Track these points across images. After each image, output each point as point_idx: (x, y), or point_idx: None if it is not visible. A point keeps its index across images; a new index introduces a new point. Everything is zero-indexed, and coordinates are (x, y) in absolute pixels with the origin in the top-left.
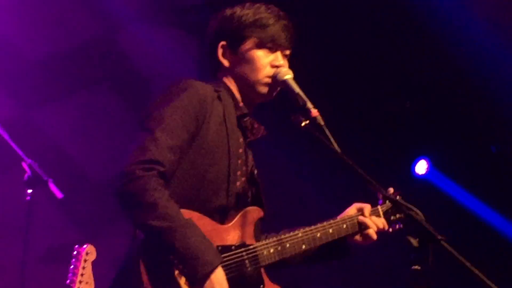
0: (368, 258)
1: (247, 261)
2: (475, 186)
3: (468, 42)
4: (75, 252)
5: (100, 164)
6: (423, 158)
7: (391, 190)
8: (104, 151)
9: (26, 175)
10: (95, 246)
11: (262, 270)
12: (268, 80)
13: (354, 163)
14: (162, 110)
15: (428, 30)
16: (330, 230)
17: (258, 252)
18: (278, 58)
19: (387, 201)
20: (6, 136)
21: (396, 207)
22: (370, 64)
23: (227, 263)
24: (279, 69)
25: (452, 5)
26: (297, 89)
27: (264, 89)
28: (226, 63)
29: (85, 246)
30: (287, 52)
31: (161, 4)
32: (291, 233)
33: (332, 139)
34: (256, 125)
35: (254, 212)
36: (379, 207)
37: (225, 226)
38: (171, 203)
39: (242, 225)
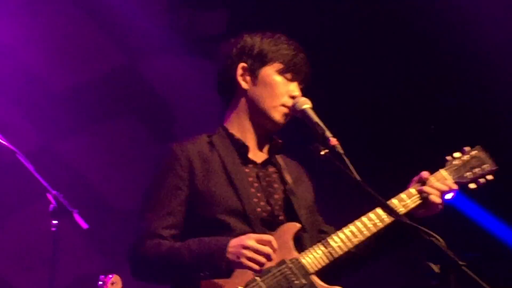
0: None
1: (292, 275)
2: (504, 211)
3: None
4: (100, 282)
5: (125, 194)
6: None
7: (467, 148)
8: (128, 181)
9: (51, 206)
10: (120, 276)
11: (314, 277)
12: (284, 109)
13: (375, 192)
14: (149, 187)
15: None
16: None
17: (302, 262)
18: (296, 89)
19: (453, 162)
20: (31, 168)
21: (469, 164)
22: (392, 87)
23: (271, 283)
24: (297, 99)
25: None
26: (315, 118)
27: (279, 117)
28: (244, 85)
29: (110, 276)
30: (301, 86)
31: (183, 33)
32: (337, 232)
33: (351, 167)
34: (274, 142)
35: (288, 228)
36: (441, 170)
37: None
38: (169, 244)
39: (280, 245)
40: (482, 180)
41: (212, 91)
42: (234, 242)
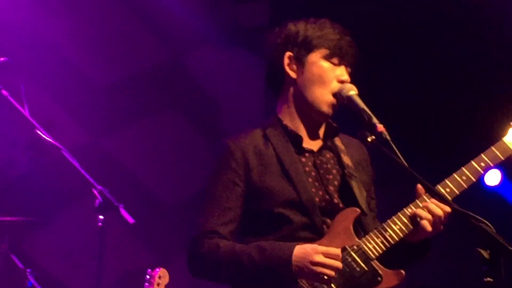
0: None
1: (353, 262)
2: None
3: None
4: (148, 276)
5: (170, 188)
6: (497, 168)
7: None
8: (174, 175)
9: (97, 202)
10: (167, 270)
11: (376, 263)
12: (332, 99)
13: (422, 178)
14: (206, 186)
15: None
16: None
17: (363, 248)
18: (344, 72)
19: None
20: (76, 164)
21: None
22: (437, 64)
23: None
24: (343, 85)
25: None
26: (362, 104)
27: (327, 109)
28: (292, 74)
29: (157, 269)
30: (349, 69)
31: (225, 25)
32: (393, 217)
33: (399, 154)
34: (327, 128)
35: (347, 214)
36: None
37: (321, 240)
38: (227, 246)
39: (339, 232)
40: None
41: (256, 83)
42: (299, 255)
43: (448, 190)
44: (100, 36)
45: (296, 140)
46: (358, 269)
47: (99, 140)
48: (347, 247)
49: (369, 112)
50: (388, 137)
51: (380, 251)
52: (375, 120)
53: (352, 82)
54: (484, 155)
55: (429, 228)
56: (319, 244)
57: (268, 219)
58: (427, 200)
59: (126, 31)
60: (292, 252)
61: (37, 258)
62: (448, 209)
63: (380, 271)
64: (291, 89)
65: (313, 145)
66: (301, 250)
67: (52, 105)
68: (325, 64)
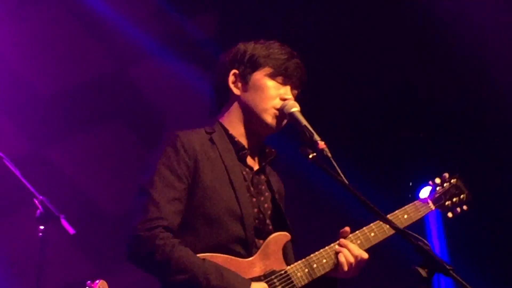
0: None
1: (279, 287)
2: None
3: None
4: None
5: (112, 199)
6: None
7: (446, 175)
8: (116, 186)
9: (38, 212)
10: (107, 282)
11: None
12: (276, 112)
13: (361, 195)
14: (153, 170)
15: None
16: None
17: (290, 276)
18: (287, 92)
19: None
20: (17, 173)
21: (449, 193)
22: (381, 91)
23: None
24: (286, 102)
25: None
26: (304, 121)
27: (271, 120)
28: (236, 91)
29: (97, 281)
30: (295, 91)
31: (171, 38)
32: (321, 250)
33: (339, 171)
34: (267, 150)
35: (279, 238)
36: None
37: (251, 259)
38: (183, 252)
39: (269, 254)
40: (458, 210)
41: (201, 95)
42: None
43: (372, 234)
44: (45, 45)
45: (241, 152)
46: None
47: (41, 149)
48: (276, 270)
49: (311, 129)
50: (329, 154)
51: (306, 281)
52: (316, 137)
53: (298, 101)
54: (407, 207)
55: (346, 267)
56: (246, 264)
57: (207, 222)
58: (353, 241)
59: (71, 40)
60: (249, 286)
61: None
62: (365, 256)
63: None
64: (235, 105)
65: (253, 163)
66: None
67: None
68: (269, 82)
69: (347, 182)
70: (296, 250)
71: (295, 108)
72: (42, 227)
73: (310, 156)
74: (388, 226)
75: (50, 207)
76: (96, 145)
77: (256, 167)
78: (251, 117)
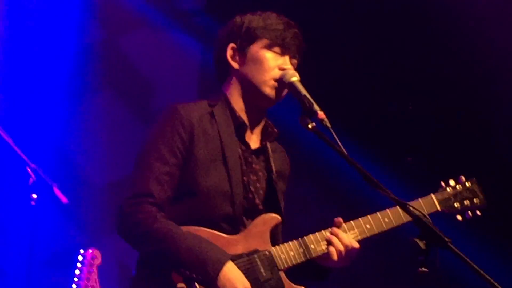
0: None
1: (261, 266)
2: None
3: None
4: (80, 257)
5: (104, 169)
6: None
7: (462, 178)
8: (108, 156)
9: (30, 180)
10: (100, 251)
11: (282, 273)
12: (275, 83)
13: (360, 165)
14: (148, 143)
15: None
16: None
17: (274, 256)
18: (286, 61)
19: (446, 189)
20: (10, 142)
21: (460, 195)
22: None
23: (240, 268)
24: (285, 71)
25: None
26: (303, 91)
27: (270, 91)
28: (234, 64)
29: (90, 250)
30: (294, 61)
31: (162, 7)
32: (310, 235)
33: (338, 141)
34: (269, 129)
35: (268, 219)
36: (432, 195)
37: (236, 236)
38: (165, 224)
39: (256, 234)
40: (470, 213)
41: (190, 66)
42: (229, 273)
43: (368, 226)
44: (30, 13)
45: (240, 128)
46: (264, 274)
47: (34, 119)
48: (259, 249)
49: (311, 99)
50: (328, 125)
51: (290, 264)
52: (316, 107)
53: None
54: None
55: (335, 256)
56: (231, 240)
57: (196, 196)
58: (346, 230)
59: (62, 9)
60: (224, 261)
61: None
62: (357, 245)
63: (284, 282)
64: (235, 80)
65: (252, 142)
66: (233, 271)
67: None
68: (267, 54)
69: (346, 153)
70: (289, 233)
71: (295, 78)
72: (34, 196)
73: (310, 126)
74: (386, 220)
75: (43, 175)
76: (86, 114)
77: (255, 145)
78: (250, 90)
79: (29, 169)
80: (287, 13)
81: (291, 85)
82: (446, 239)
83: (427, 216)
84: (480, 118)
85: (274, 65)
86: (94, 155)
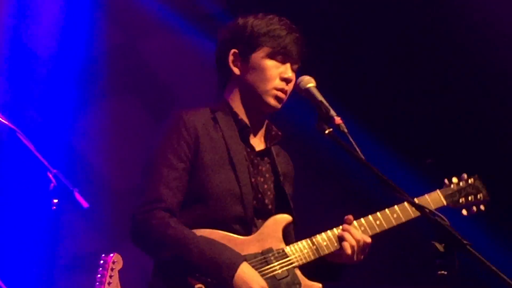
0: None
1: (276, 264)
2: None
3: None
4: (101, 261)
5: (124, 173)
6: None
7: (464, 175)
8: (128, 160)
9: (51, 185)
10: (121, 255)
11: (298, 270)
12: (276, 92)
13: (378, 170)
14: (154, 150)
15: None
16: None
17: (288, 254)
18: (288, 70)
19: (450, 185)
20: (31, 147)
21: (464, 191)
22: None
23: (255, 268)
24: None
25: None
26: (320, 97)
27: (271, 100)
28: (236, 70)
29: (111, 255)
30: (296, 66)
31: (181, 11)
32: (323, 233)
33: (356, 146)
34: (273, 132)
35: (280, 219)
36: (438, 191)
37: (249, 237)
38: (178, 229)
39: (268, 234)
40: (474, 208)
41: (209, 69)
42: (244, 274)
43: (378, 222)
44: (51, 17)
45: (244, 131)
46: (279, 271)
47: (54, 123)
48: (273, 248)
49: (327, 105)
50: (345, 130)
51: (304, 261)
52: (332, 112)
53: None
54: (417, 200)
55: (348, 250)
56: (244, 242)
57: (206, 199)
58: (356, 227)
59: (80, 13)
60: (239, 263)
61: None
62: (369, 240)
63: (299, 279)
64: (237, 84)
65: (256, 144)
66: (248, 271)
67: (7, 86)
68: (269, 62)
69: (363, 157)
70: (300, 234)
71: (311, 84)
72: (55, 201)
73: (327, 132)
74: (395, 215)
75: (64, 180)
76: (106, 119)
77: (259, 147)
78: (252, 97)
79: (50, 175)
80: (305, 12)
81: (307, 91)
82: (465, 242)
83: (445, 219)
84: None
85: (276, 74)
86: (114, 159)
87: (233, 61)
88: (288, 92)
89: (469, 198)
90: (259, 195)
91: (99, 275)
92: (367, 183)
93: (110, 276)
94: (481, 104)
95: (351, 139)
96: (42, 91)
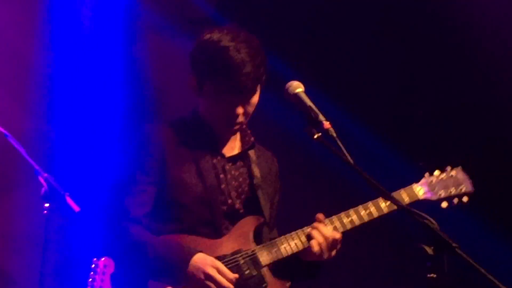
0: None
1: (244, 264)
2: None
3: None
4: (93, 265)
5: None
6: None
7: (448, 168)
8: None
9: (43, 189)
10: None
11: (266, 270)
12: (230, 119)
13: (367, 174)
14: (121, 164)
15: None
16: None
17: (256, 254)
18: (235, 110)
19: (429, 178)
20: (22, 151)
21: (444, 183)
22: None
23: None
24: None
25: None
26: (308, 102)
27: (225, 125)
28: (196, 93)
29: (103, 259)
30: (251, 94)
31: (172, 16)
32: (292, 232)
33: (344, 150)
34: (247, 138)
35: (250, 220)
36: (414, 185)
37: (219, 239)
38: (138, 237)
39: (239, 235)
40: (455, 201)
41: None
42: (198, 261)
43: (349, 219)
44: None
45: (213, 140)
46: (246, 272)
47: (43, 125)
48: (242, 249)
49: (316, 110)
50: (334, 134)
51: (271, 261)
52: (321, 117)
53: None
54: (393, 194)
55: (316, 248)
56: (214, 244)
57: (173, 209)
58: (327, 223)
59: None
60: (193, 255)
61: None
62: (338, 236)
63: (266, 278)
64: (201, 103)
65: (228, 150)
66: (201, 258)
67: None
68: (216, 98)
69: (352, 161)
70: (281, 233)
71: (300, 89)
72: (47, 205)
73: (315, 136)
74: (367, 211)
75: (55, 184)
76: (95, 121)
77: (233, 152)
78: (212, 117)
79: (41, 178)
80: (310, 12)
81: (296, 96)
82: (454, 244)
83: (434, 222)
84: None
85: (224, 110)
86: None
87: (193, 85)
88: (246, 118)
89: (450, 190)
90: (229, 200)
91: (90, 279)
92: (353, 184)
93: (102, 280)
94: (480, 100)
95: (340, 143)
96: (31, 95)
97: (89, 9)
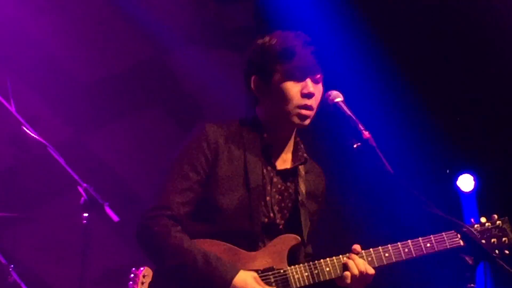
0: None
1: (274, 284)
2: None
3: None
4: (132, 275)
5: (151, 186)
6: (469, 173)
7: (495, 216)
8: (155, 174)
9: (82, 199)
10: (151, 268)
11: None
12: (300, 110)
13: (409, 184)
14: (174, 160)
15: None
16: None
17: (288, 275)
18: (307, 86)
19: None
20: (62, 161)
21: (487, 232)
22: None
23: None
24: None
25: None
26: (348, 111)
27: (296, 120)
28: (260, 95)
29: (142, 268)
30: (318, 75)
31: (209, 26)
32: (327, 259)
33: (384, 160)
34: (299, 153)
35: (287, 239)
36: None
37: (254, 253)
38: (177, 239)
39: (273, 252)
40: (497, 252)
41: (238, 83)
42: (239, 283)
43: (386, 255)
44: (84, 33)
45: (267, 149)
46: None
47: (84, 137)
48: (274, 267)
49: (355, 119)
50: (374, 144)
51: (302, 284)
52: (361, 127)
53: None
54: (433, 237)
55: (349, 280)
56: (247, 256)
57: (214, 212)
58: (364, 257)
59: (110, 28)
60: (234, 276)
61: (20, 254)
62: (372, 271)
63: None
64: (265, 105)
65: (279, 163)
66: (242, 279)
67: (37, 102)
68: (287, 84)
69: (392, 171)
70: (318, 256)
71: (339, 99)
72: (86, 215)
73: (355, 146)
74: (406, 250)
75: (94, 194)
76: (136, 133)
77: (284, 166)
78: (278, 118)
79: (80, 189)
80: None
81: (335, 106)
82: (494, 254)
83: (474, 232)
84: None
85: (296, 93)
86: (143, 173)
87: (256, 87)
88: (315, 105)
89: (492, 240)
90: (271, 214)
91: None
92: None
93: None
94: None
95: (380, 153)
96: (71, 105)
97: None
